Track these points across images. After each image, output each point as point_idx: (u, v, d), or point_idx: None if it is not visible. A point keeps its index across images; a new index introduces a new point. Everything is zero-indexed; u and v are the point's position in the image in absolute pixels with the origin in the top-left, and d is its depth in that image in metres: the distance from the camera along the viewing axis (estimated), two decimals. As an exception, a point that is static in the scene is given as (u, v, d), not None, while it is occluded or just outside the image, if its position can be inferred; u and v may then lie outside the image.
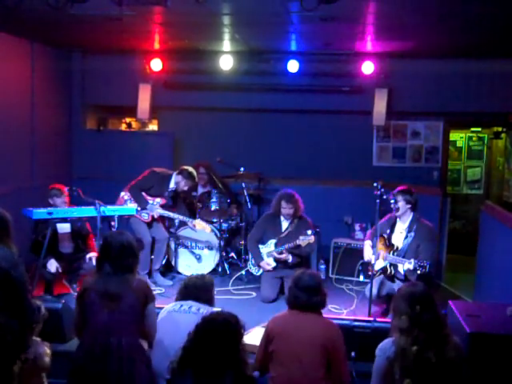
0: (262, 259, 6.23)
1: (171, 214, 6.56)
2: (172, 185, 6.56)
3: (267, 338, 3.48)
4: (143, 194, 6.46)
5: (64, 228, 5.89)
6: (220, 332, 2.81)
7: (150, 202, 6.46)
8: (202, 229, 6.58)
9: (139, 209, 6.33)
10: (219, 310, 3.68)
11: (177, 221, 6.73)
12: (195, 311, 3.63)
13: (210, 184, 7.61)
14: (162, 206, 6.53)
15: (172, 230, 6.92)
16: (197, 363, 2.76)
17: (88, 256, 5.85)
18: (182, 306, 3.75)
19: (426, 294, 3.09)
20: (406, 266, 5.01)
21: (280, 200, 6.15)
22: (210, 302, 3.86)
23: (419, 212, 5.43)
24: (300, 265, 6.07)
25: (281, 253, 6.06)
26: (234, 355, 2.78)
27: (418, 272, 4.90)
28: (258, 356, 3.55)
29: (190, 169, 6.56)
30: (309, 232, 5.90)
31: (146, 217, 6.45)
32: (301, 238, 5.89)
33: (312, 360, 3.34)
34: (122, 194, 6.52)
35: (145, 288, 3.42)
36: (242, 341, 2.90)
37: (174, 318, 3.64)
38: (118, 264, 3.33)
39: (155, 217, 6.50)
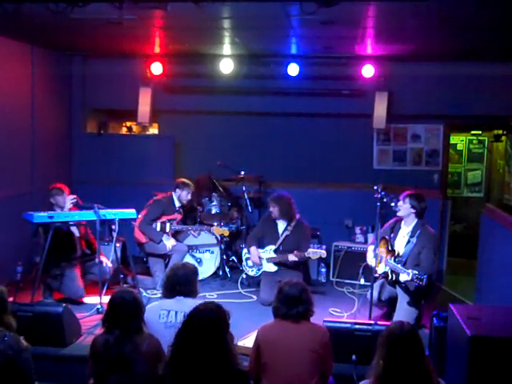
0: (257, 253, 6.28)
1: (185, 227, 6.72)
2: (177, 204, 6.68)
3: (257, 350, 3.46)
4: (153, 226, 6.52)
5: (76, 232, 5.93)
6: (206, 319, 2.76)
7: (168, 224, 6.56)
8: (221, 234, 6.73)
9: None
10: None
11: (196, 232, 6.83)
12: None
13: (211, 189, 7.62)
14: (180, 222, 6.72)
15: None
16: (187, 358, 2.70)
17: (97, 260, 5.82)
18: (176, 313, 3.70)
19: (408, 338, 2.78)
20: (403, 276, 4.89)
21: (268, 202, 6.33)
22: (194, 292, 3.86)
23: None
24: (299, 265, 6.14)
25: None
26: (221, 345, 2.71)
27: (415, 284, 4.81)
28: (251, 366, 3.53)
29: (181, 179, 6.75)
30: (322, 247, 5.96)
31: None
32: (310, 251, 5.89)
33: (304, 369, 3.34)
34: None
35: (156, 349, 3.28)
36: (228, 331, 2.83)
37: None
38: (127, 327, 3.21)
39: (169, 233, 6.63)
